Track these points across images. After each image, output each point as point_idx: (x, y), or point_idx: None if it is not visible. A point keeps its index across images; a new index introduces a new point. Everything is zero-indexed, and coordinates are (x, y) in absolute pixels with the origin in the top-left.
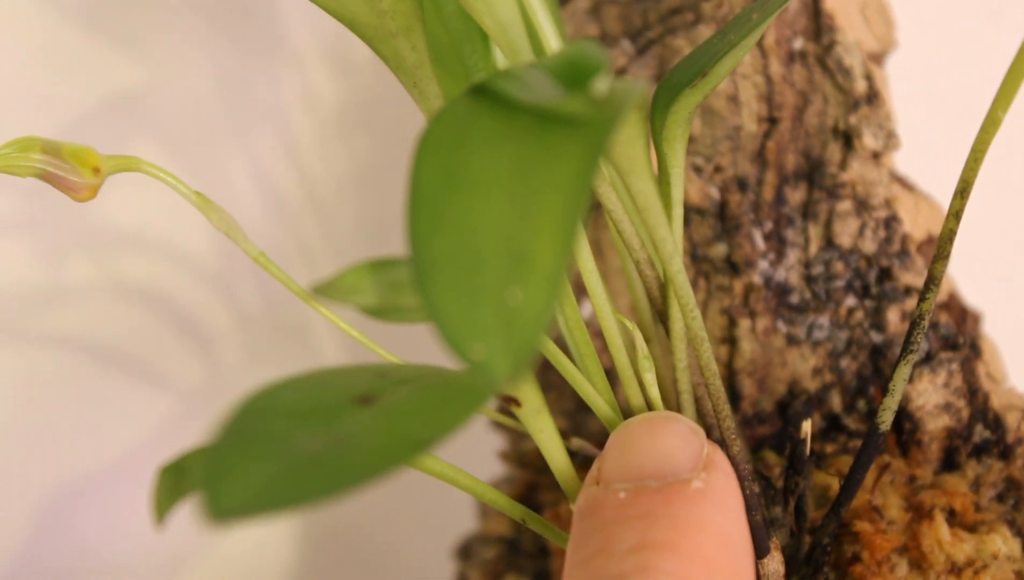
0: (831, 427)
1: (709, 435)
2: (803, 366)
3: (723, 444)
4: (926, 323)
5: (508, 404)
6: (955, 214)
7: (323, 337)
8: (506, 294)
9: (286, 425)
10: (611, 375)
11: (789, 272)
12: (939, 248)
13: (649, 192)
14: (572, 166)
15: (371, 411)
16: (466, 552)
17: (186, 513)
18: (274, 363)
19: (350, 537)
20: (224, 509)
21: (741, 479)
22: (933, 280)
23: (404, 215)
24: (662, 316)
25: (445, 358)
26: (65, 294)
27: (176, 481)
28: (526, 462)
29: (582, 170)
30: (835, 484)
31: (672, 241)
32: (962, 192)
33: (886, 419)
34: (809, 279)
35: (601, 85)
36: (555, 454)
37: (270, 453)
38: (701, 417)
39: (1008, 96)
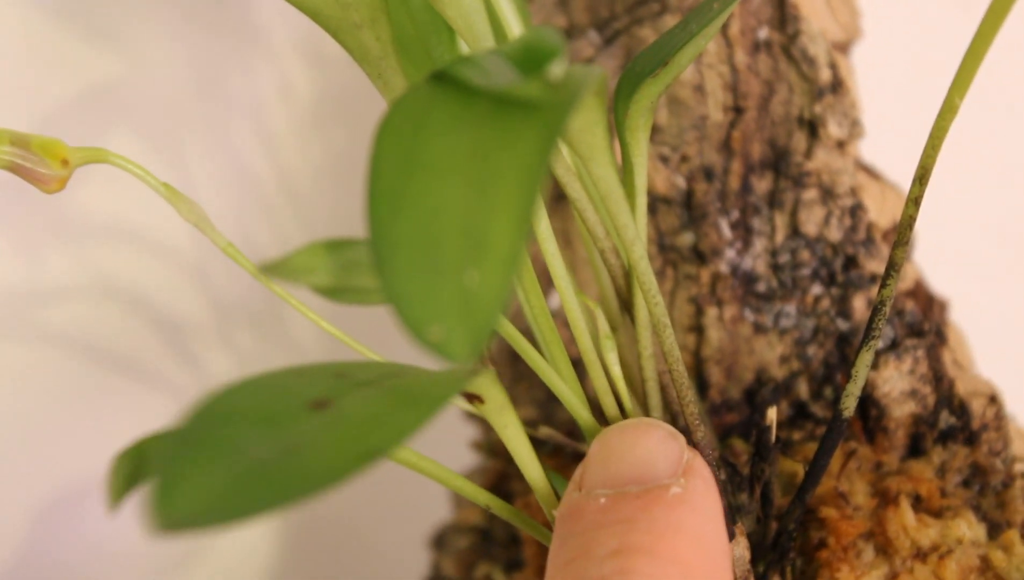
0: (798, 414)
1: (675, 421)
2: (770, 354)
3: (688, 430)
4: (887, 309)
5: (471, 401)
6: (914, 200)
7: (300, 327)
8: (464, 276)
9: (239, 432)
10: (579, 367)
11: (756, 261)
12: (899, 234)
13: (610, 178)
14: (528, 149)
15: (324, 417)
16: (440, 542)
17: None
18: (252, 353)
19: (327, 527)
20: (173, 519)
21: (707, 465)
22: (894, 266)
23: (365, 197)
24: (627, 305)
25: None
26: (41, 288)
27: (133, 467)
28: (497, 451)
29: (538, 152)
30: (801, 471)
31: (634, 228)
32: (921, 178)
33: (849, 405)
34: (776, 267)
35: (557, 69)
36: (520, 449)
37: (220, 462)
38: (666, 404)
39: (964, 82)
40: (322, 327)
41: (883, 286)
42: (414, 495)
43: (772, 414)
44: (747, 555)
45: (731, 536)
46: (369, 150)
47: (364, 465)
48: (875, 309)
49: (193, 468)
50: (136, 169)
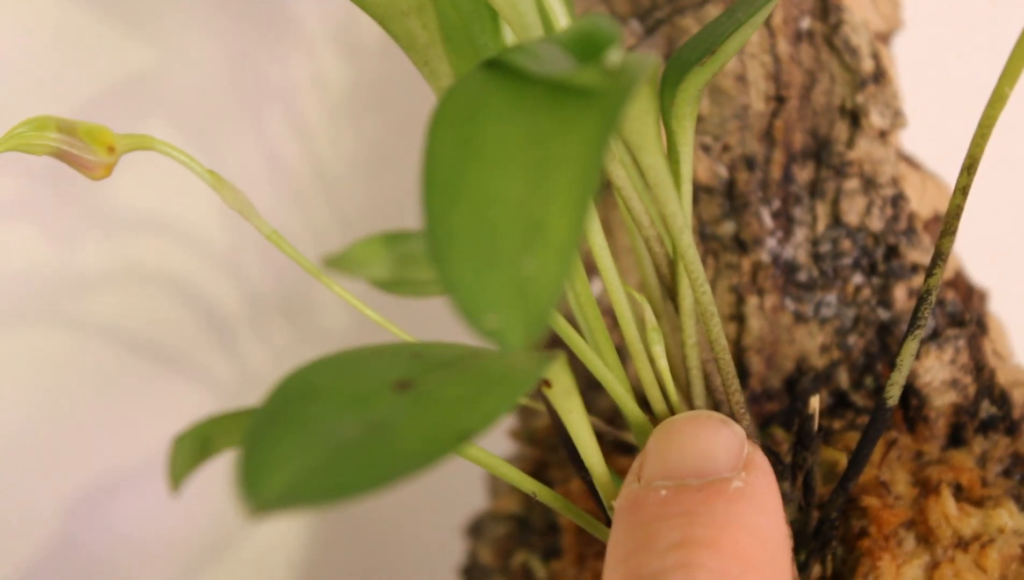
0: (839, 404)
1: (718, 410)
2: (811, 343)
3: (733, 419)
4: (933, 298)
5: (539, 385)
6: (962, 190)
7: (334, 318)
8: (520, 265)
9: (324, 411)
10: (621, 354)
11: (797, 250)
12: (946, 224)
13: (659, 167)
14: (586, 136)
15: (410, 398)
16: (477, 529)
17: (212, 498)
18: (285, 344)
19: (360, 516)
20: (262, 501)
21: None
22: (940, 255)
23: (419, 187)
24: (671, 293)
25: (457, 333)
26: (77, 278)
27: (195, 449)
28: (536, 440)
29: (596, 140)
30: (843, 460)
31: (682, 216)
32: (969, 168)
33: (893, 394)
34: (816, 257)
35: (614, 56)
36: (582, 434)
37: (308, 442)
38: (710, 393)
39: (1015, 72)
40: (368, 315)
41: (929, 275)
42: (447, 483)
43: (815, 402)
44: (790, 543)
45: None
46: (423, 139)
47: (455, 447)
48: (921, 298)
49: (280, 448)
50: (181, 156)
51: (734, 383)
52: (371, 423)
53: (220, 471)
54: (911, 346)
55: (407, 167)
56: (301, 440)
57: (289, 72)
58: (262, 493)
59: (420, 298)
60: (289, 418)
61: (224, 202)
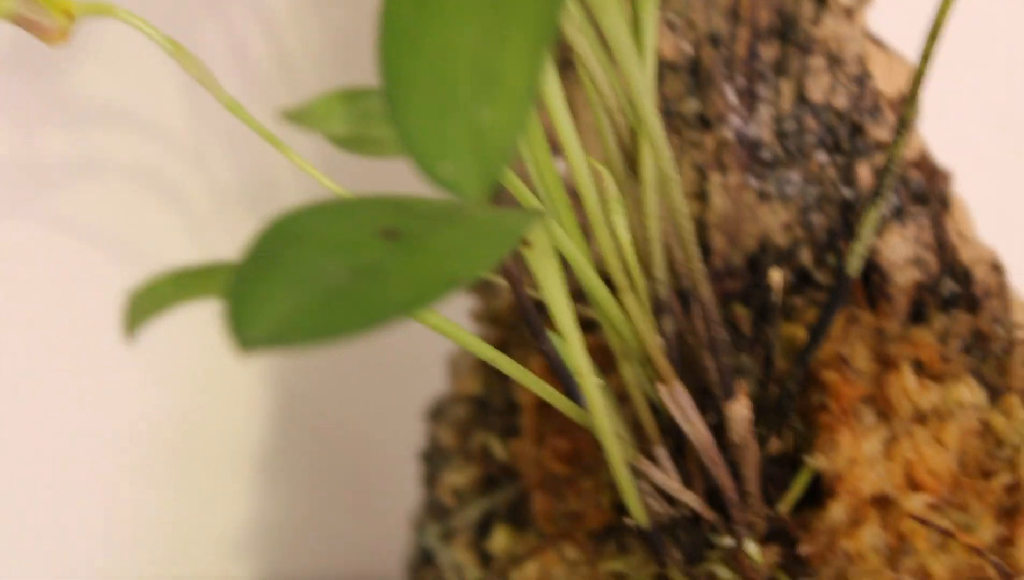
0: (801, 281)
1: (678, 283)
2: (774, 221)
3: (693, 288)
4: (895, 169)
5: (519, 245)
6: (925, 56)
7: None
8: (476, 113)
9: (311, 254)
10: (585, 232)
11: (761, 128)
12: (910, 91)
13: (620, 31)
14: None
15: (399, 245)
16: (437, 413)
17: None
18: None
19: (322, 405)
20: (251, 337)
21: (709, 322)
22: (904, 125)
23: (376, 42)
24: (633, 165)
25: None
26: (41, 169)
27: (153, 300)
28: (498, 320)
29: None
30: (803, 335)
31: (642, 79)
32: (932, 35)
33: (854, 264)
34: (781, 135)
35: None
36: (557, 297)
37: (296, 281)
38: (671, 265)
39: None
40: (326, 185)
41: (892, 144)
42: (410, 370)
43: (776, 276)
44: (748, 414)
45: (732, 393)
46: None
47: (446, 291)
48: (884, 169)
49: (267, 287)
50: (141, 23)
51: (693, 250)
52: (361, 267)
53: (184, 365)
54: (872, 216)
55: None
56: (290, 281)
57: None
58: (252, 330)
59: (379, 158)
60: (276, 260)
61: (187, 72)
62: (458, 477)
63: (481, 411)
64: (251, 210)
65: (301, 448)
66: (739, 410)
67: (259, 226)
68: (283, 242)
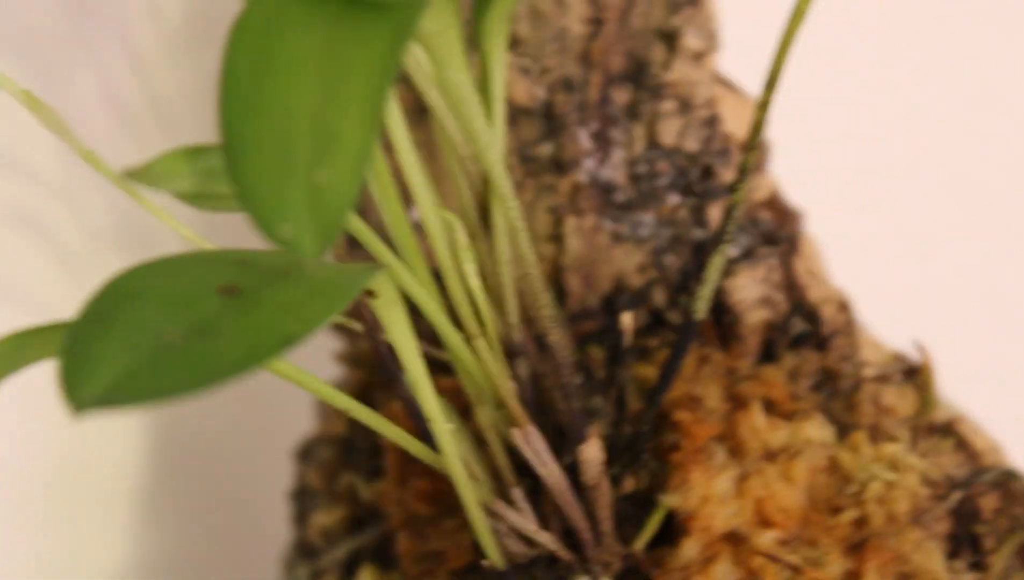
0: (655, 322)
1: (530, 328)
2: (628, 263)
3: (543, 334)
4: (738, 212)
5: (364, 296)
6: (763, 105)
7: (172, 247)
8: (314, 174)
9: (146, 312)
10: (439, 278)
11: (614, 171)
12: (750, 139)
13: (463, 83)
14: (380, 48)
15: (235, 302)
16: (305, 454)
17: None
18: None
19: (194, 445)
20: (82, 398)
21: (561, 368)
22: (745, 170)
23: (217, 101)
24: (485, 213)
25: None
26: None
27: (14, 351)
28: (361, 362)
29: (389, 51)
30: (657, 376)
31: (488, 132)
32: (770, 83)
33: (700, 307)
34: (634, 178)
35: None
36: (407, 347)
37: (129, 340)
38: (523, 309)
39: None
40: (181, 233)
41: (734, 190)
42: (282, 410)
43: (628, 319)
44: (601, 456)
45: (584, 437)
46: (223, 51)
47: (280, 351)
48: (727, 213)
49: (102, 346)
50: None
51: (543, 297)
52: (195, 325)
53: (57, 400)
54: (717, 260)
55: None
56: (124, 340)
57: (124, 6)
58: (84, 392)
59: (224, 212)
60: (112, 319)
61: (40, 122)
62: (326, 517)
63: (347, 452)
64: (126, 251)
65: (177, 486)
66: (591, 452)
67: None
68: (119, 300)
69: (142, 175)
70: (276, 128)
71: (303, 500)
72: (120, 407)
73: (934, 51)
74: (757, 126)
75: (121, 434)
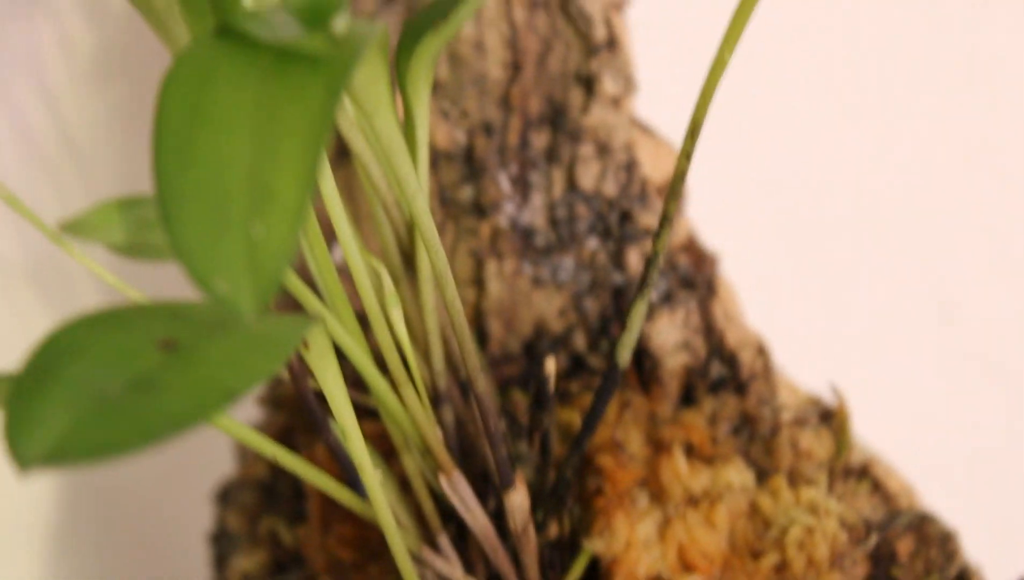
0: (575, 366)
1: (458, 374)
2: (548, 307)
3: (469, 381)
4: (660, 260)
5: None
6: (686, 154)
7: (84, 283)
8: (250, 229)
9: (88, 367)
10: (364, 321)
11: (534, 215)
12: (672, 188)
13: (392, 132)
14: (313, 102)
15: (175, 357)
16: (225, 496)
17: None
18: (37, 311)
19: (109, 486)
20: (28, 457)
21: (486, 415)
22: (667, 218)
23: (151, 152)
24: (409, 258)
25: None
26: None
27: None
28: (282, 405)
29: (323, 106)
30: (579, 421)
31: (415, 181)
32: (692, 132)
33: (624, 355)
34: (553, 222)
35: (340, 23)
36: (338, 396)
37: (71, 398)
38: (448, 356)
39: (733, 38)
40: (107, 280)
41: (656, 238)
42: (199, 452)
43: (551, 365)
44: (527, 503)
45: (511, 483)
46: (155, 103)
47: (223, 405)
48: (649, 261)
49: (44, 404)
50: None
51: (470, 346)
52: (136, 380)
53: None
54: (640, 307)
55: None
56: (65, 397)
57: (35, 37)
58: (29, 451)
59: (157, 262)
60: (53, 375)
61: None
62: (247, 562)
63: (268, 496)
64: (35, 285)
65: (93, 527)
66: (517, 499)
67: (44, 319)
68: (59, 356)
69: (75, 228)
70: (211, 182)
71: (222, 543)
72: (65, 464)
73: (847, 91)
74: (679, 175)
75: (35, 474)
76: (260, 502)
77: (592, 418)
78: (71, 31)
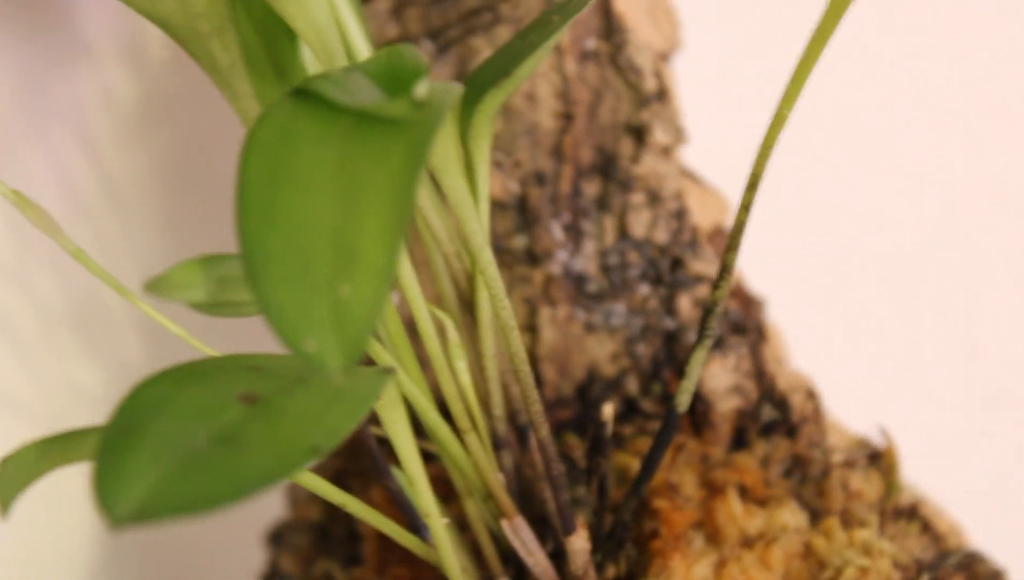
0: (629, 410)
1: (516, 420)
2: (601, 352)
3: (533, 426)
4: (720, 309)
5: None
6: (745, 206)
7: (129, 334)
8: (336, 290)
9: (172, 422)
10: (423, 364)
11: (586, 262)
12: (731, 239)
13: (461, 188)
14: (397, 166)
15: (257, 410)
16: (278, 538)
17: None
18: (82, 363)
19: (160, 528)
20: (120, 515)
21: (548, 460)
22: (726, 269)
23: (234, 212)
24: (469, 306)
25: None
26: None
27: (23, 470)
28: (335, 450)
29: (407, 170)
30: (634, 464)
31: (482, 234)
32: (752, 185)
33: (683, 401)
34: (605, 269)
35: (422, 89)
36: (406, 446)
37: (158, 452)
38: (508, 402)
39: (792, 97)
40: (174, 332)
41: (716, 288)
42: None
43: (608, 410)
44: (588, 546)
45: (573, 528)
46: (237, 163)
47: (307, 462)
48: (707, 309)
49: (132, 460)
50: None
51: (533, 393)
52: (221, 435)
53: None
54: (700, 355)
55: (200, 183)
56: (152, 452)
57: (77, 88)
58: (120, 508)
59: (239, 318)
60: (139, 430)
61: (30, 222)
62: None
63: (323, 539)
64: (78, 332)
65: (142, 570)
66: (579, 543)
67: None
68: (144, 411)
69: (158, 287)
70: (296, 242)
71: None
72: (155, 521)
73: (877, 134)
74: (740, 227)
75: (79, 509)
76: (314, 544)
77: (651, 463)
78: (112, 80)
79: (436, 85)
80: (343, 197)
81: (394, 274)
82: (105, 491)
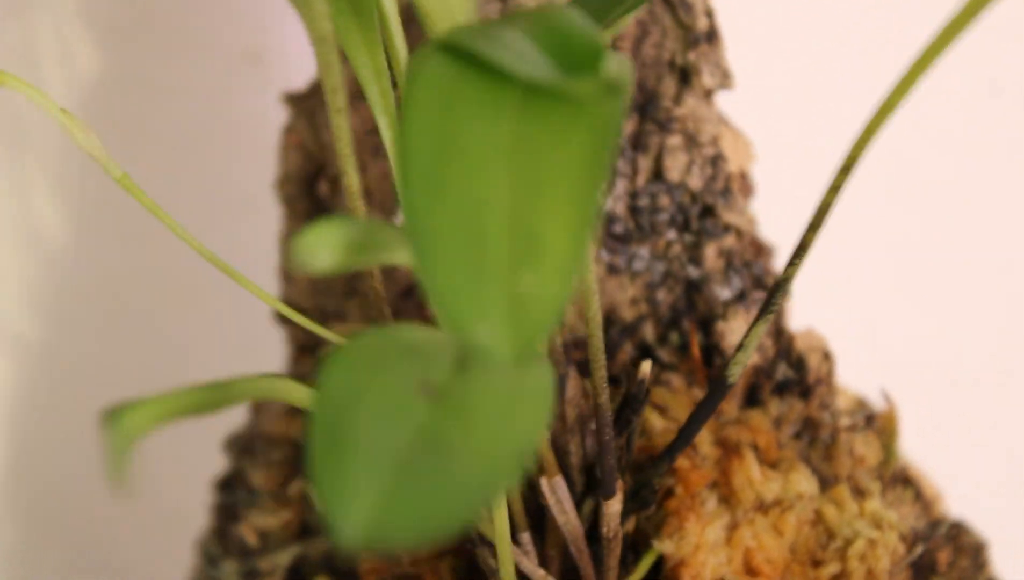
0: (642, 356)
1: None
2: (621, 295)
3: (594, 392)
4: (789, 287)
5: None
6: (835, 188)
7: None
8: (516, 279)
9: (371, 424)
10: None
11: (616, 202)
12: (815, 219)
13: None
14: (584, 150)
15: (447, 409)
16: (246, 449)
17: None
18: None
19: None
20: (351, 537)
21: (603, 426)
22: (803, 248)
23: (398, 178)
24: None
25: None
26: None
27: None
28: None
29: (594, 155)
30: (652, 416)
31: None
32: (846, 168)
33: (735, 372)
34: (634, 210)
35: (612, 67)
36: None
37: (371, 465)
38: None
39: (906, 86)
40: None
41: (790, 265)
42: None
43: (646, 367)
44: (620, 508)
45: (613, 492)
46: (399, 125)
47: (518, 470)
48: (776, 285)
49: (348, 475)
50: (34, 93)
51: (600, 358)
52: (420, 439)
53: None
54: (760, 329)
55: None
56: (365, 465)
57: None
58: (350, 530)
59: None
60: (343, 435)
61: (75, 143)
62: (268, 519)
63: (299, 457)
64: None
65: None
66: (615, 507)
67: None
68: (342, 411)
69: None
70: (468, 222)
71: (234, 494)
72: (388, 545)
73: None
74: (825, 208)
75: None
76: (290, 462)
77: (690, 430)
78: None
79: (617, 61)
80: (521, 178)
81: (581, 269)
82: (335, 512)
